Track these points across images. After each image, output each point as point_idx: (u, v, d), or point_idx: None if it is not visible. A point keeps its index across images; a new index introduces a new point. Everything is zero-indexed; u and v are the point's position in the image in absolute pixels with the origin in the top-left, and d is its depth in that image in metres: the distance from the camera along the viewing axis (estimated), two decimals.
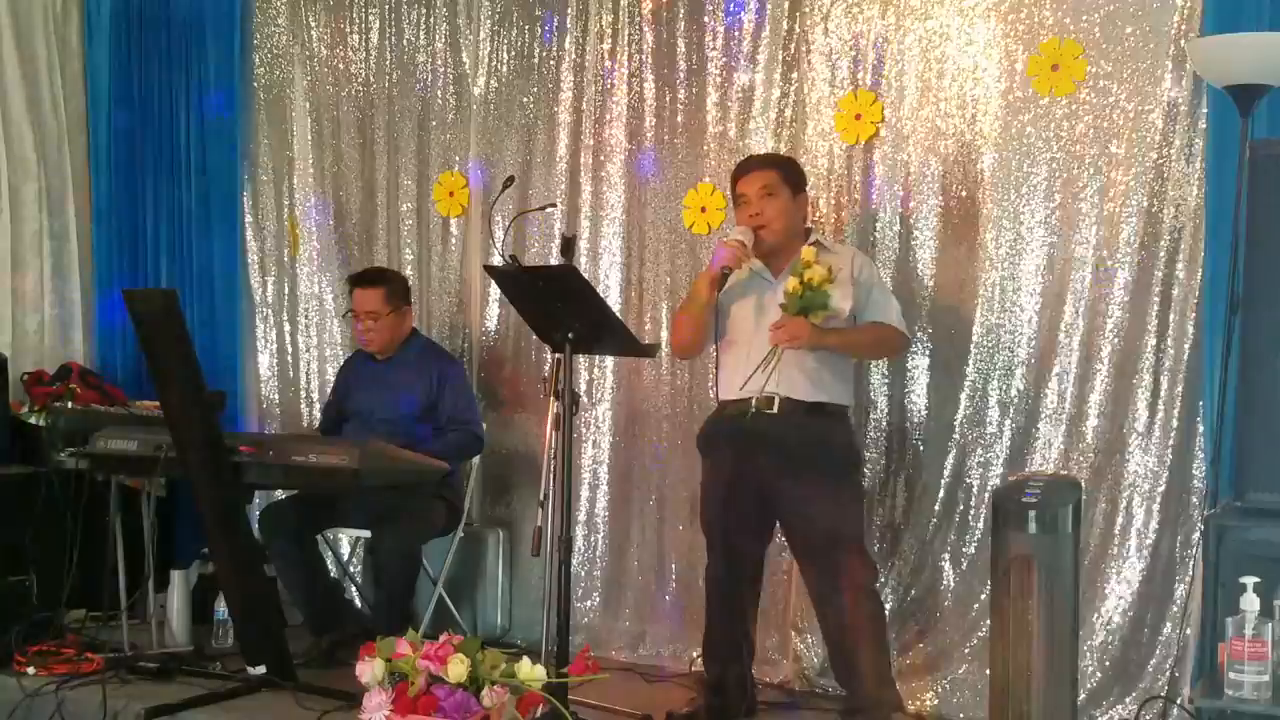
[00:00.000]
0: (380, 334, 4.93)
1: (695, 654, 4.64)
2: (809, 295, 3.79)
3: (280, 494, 5.05)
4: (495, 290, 5.17)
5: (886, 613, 4.12)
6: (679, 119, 4.84)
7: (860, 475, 4.19)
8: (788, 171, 4.06)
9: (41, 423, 5.10)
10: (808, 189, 4.19)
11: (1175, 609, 3.98)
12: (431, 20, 5.38)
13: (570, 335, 3.73)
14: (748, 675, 4.15)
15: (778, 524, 4.10)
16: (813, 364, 3.92)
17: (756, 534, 4.07)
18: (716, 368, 4.07)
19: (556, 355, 3.78)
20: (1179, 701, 3.80)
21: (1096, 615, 4.08)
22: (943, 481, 4.33)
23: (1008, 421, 4.25)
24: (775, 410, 3.89)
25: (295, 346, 5.73)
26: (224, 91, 5.72)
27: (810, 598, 4.09)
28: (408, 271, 5.38)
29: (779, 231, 3.99)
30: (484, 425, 5.02)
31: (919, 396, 4.40)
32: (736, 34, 4.71)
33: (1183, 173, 3.98)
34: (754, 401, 3.89)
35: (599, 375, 5.01)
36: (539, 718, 3.07)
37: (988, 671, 3.59)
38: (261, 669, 4.21)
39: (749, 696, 4.13)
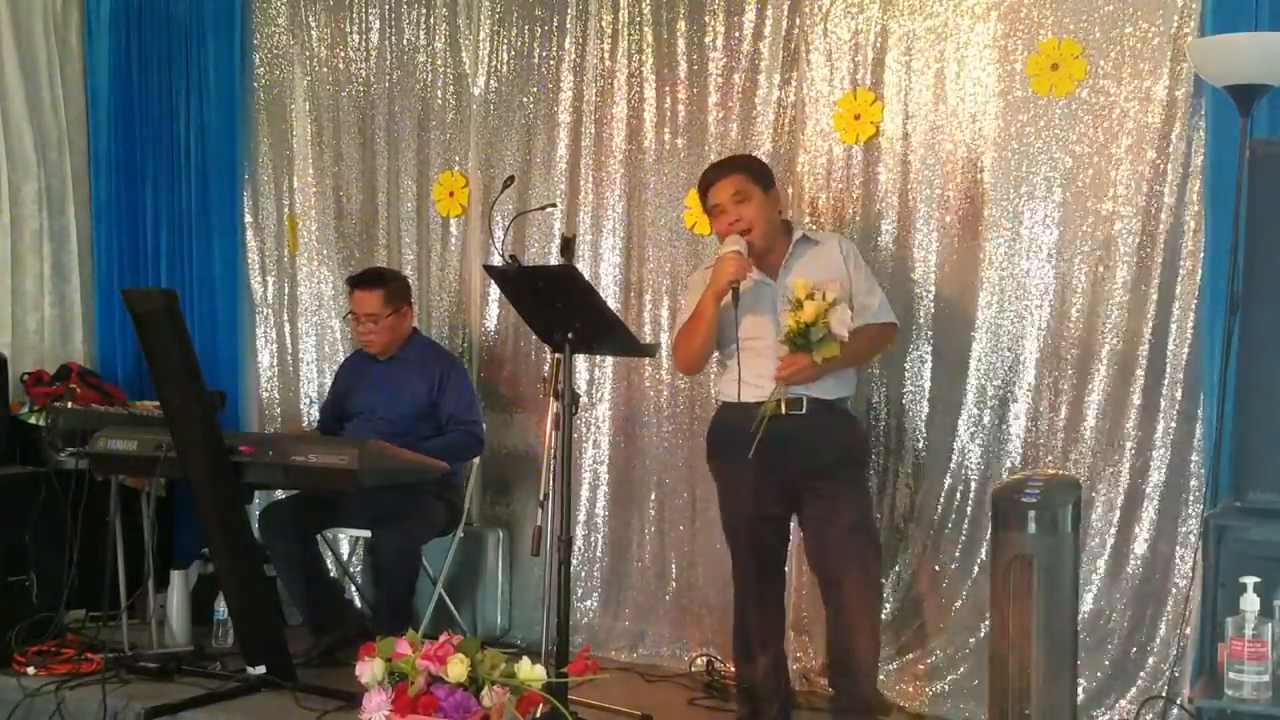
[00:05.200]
0: (381, 335, 4.93)
1: (695, 654, 4.66)
2: (810, 334, 3.73)
3: (280, 494, 5.05)
4: (495, 290, 5.17)
5: (887, 613, 4.12)
6: (679, 119, 4.84)
7: (865, 463, 4.23)
8: (754, 171, 4.02)
9: (41, 423, 5.10)
10: (777, 184, 4.12)
11: (1175, 609, 3.98)
12: (431, 20, 5.38)
13: (570, 335, 3.73)
14: (785, 679, 4.10)
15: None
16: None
17: (783, 530, 4.05)
18: (735, 369, 3.93)
19: (556, 355, 3.78)
20: (1179, 701, 3.80)
21: (1097, 615, 4.08)
22: (943, 481, 4.33)
23: (1007, 421, 4.25)
24: (804, 411, 3.87)
25: (295, 346, 5.73)
26: (224, 91, 5.73)
27: (822, 594, 4.03)
28: (408, 271, 5.38)
29: (762, 232, 3.95)
30: (484, 426, 5.02)
31: (919, 396, 4.39)
32: (736, 34, 4.71)
33: (1183, 173, 3.98)
34: (782, 404, 3.86)
35: (599, 375, 5.01)
36: (539, 718, 3.07)
37: (988, 672, 3.60)
38: (261, 669, 4.22)
39: (786, 699, 4.08)
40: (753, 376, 3.89)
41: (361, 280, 4.99)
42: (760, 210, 3.95)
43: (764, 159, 4.62)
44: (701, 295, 3.94)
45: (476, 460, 5.02)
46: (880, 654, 4.06)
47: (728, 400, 4.02)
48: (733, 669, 4.48)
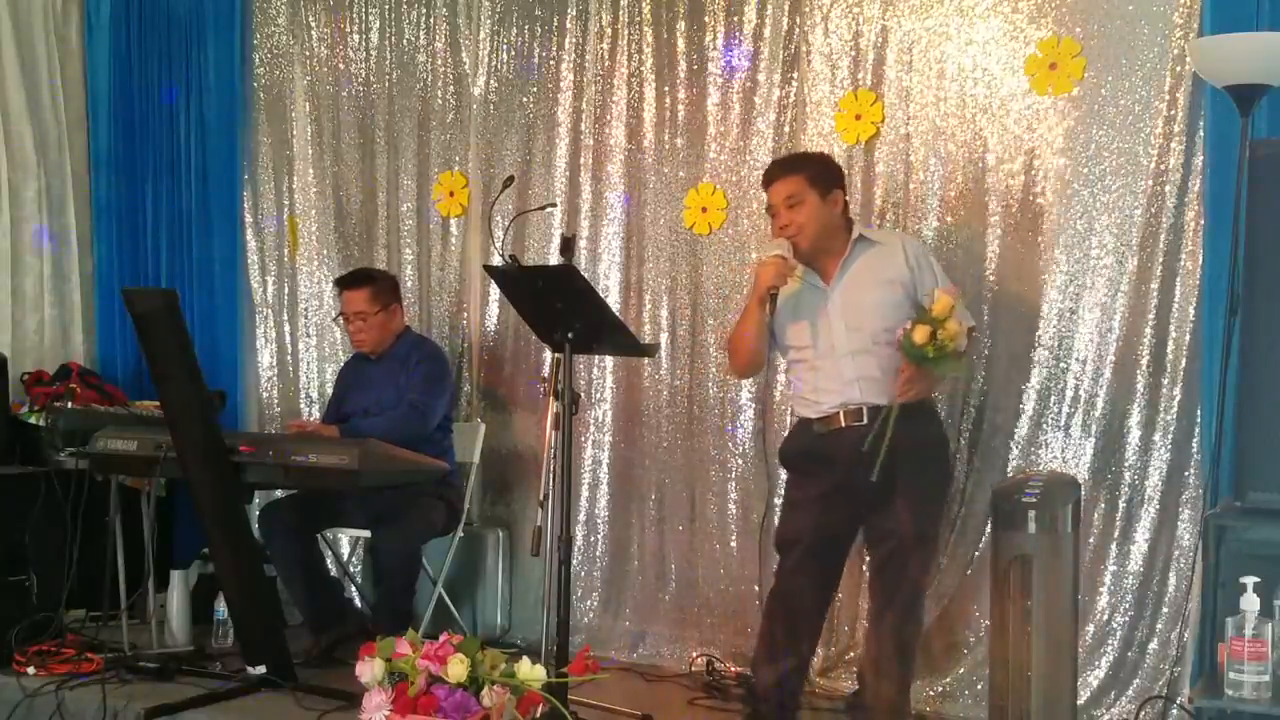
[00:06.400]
0: (370, 334, 4.93)
1: (695, 654, 4.65)
2: (941, 358, 3.62)
3: (280, 493, 5.04)
4: (495, 290, 5.17)
5: None
6: (679, 119, 4.84)
7: (949, 467, 4.08)
8: (814, 173, 3.88)
9: (41, 423, 5.10)
10: (844, 182, 4.00)
11: (1175, 609, 3.98)
12: (431, 20, 5.38)
13: (570, 335, 3.72)
14: (800, 691, 4.03)
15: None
16: (887, 366, 3.78)
17: (846, 542, 3.95)
18: (790, 388, 3.95)
19: (556, 355, 3.78)
20: (1179, 701, 3.80)
21: (1097, 615, 4.08)
22: None
23: (1008, 421, 4.25)
24: (865, 421, 3.78)
25: (295, 346, 5.73)
26: (224, 91, 5.72)
27: (870, 593, 4.03)
28: (407, 271, 5.38)
29: (812, 238, 3.85)
30: (433, 407, 4.82)
31: None
32: (736, 34, 4.71)
33: (1183, 173, 3.98)
34: (842, 415, 3.81)
35: (599, 375, 5.01)
36: (539, 718, 3.07)
37: (988, 671, 3.59)
38: (261, 669, 4.21)
39: (798, 708, 4.01)
40: (810, 392, 3.89)
41: (348, 280, 5.00)
42: (813, 216, 3.84)
43: (766, 159, 4.62)
44: (747, 303, 3.90)
45: (476, 460, 5.01)
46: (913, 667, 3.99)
47: (803, 415, 3.96)
48: (733, 669, 4.50)
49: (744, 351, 3.95)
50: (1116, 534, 4.09)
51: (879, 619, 3.92)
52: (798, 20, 4.58)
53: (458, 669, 2.96)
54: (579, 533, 4.95)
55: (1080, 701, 3.81)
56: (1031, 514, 3.23)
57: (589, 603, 4.99)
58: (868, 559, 4.11)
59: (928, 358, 3.63)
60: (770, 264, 3.79)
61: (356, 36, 5.55)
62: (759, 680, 3.95)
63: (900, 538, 3.79)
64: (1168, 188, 4.01)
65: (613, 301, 4.87)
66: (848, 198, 4.03)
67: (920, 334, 3.61)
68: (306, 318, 5.70)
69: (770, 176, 3.95)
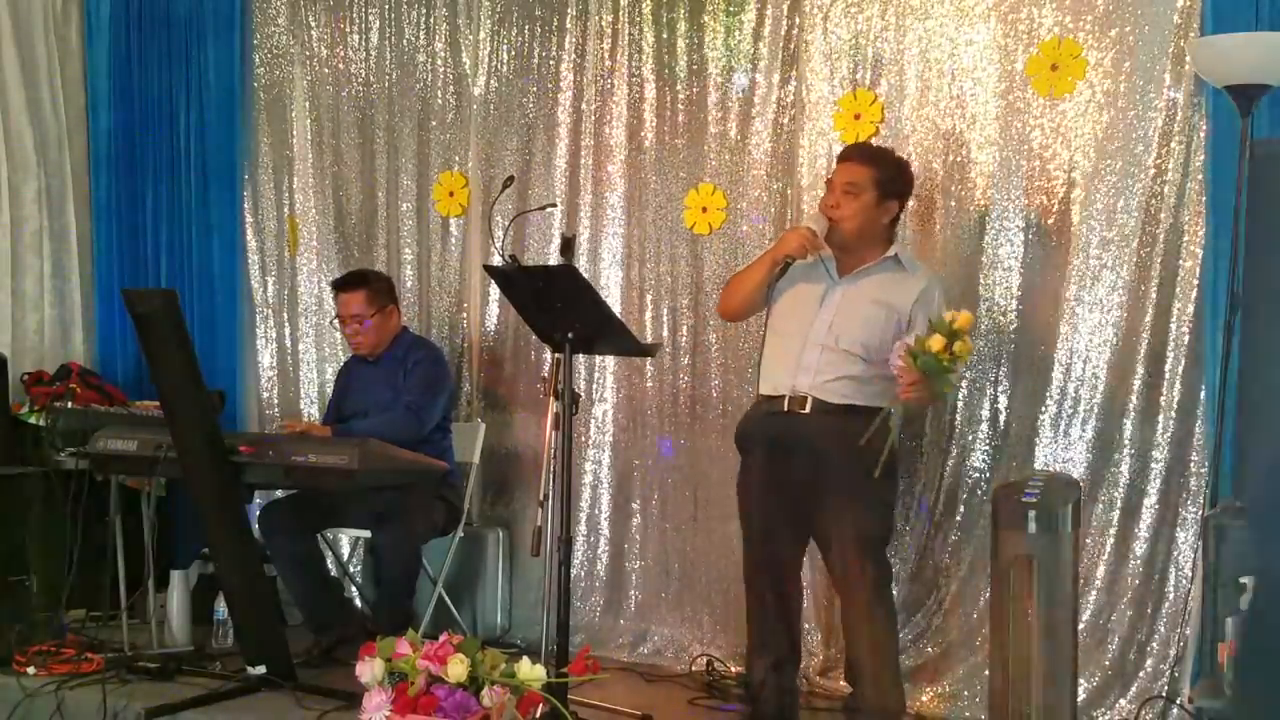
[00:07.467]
0: (367, 336, 4.93)
1: (695, 654, 4.66)
2: (944, 366, 3.56)
3: (280, 493, 5.04)
4: (495, 290, 5.17)
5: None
6: (679, 119, 4.84)
7: (891, 476, 3.98)
8: (883, 175, 3.88)
9: (41, 423, 5.10)
10: (907, 198, 4.01)
11: (1175, 609, 3.98)
12: (431, 20, 5.38)
13: (570, 335, 3.73)
14: (794, 679, 4.03)
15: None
16: (846, 373, 3.81)
17: (792, 531, 3.95)
18: (760, 358, 3.95)
19: (556, 355, 3.78)
20: (1179, 701, 3.80)
21: (1096, 615, 4.08)
22: (943, 481, 4.33)
23: (1007, 421, 4.25)
24: (807, 410, 3.82)
25: (295, 346, 5.73)
26: (224, 91, 5.72)
27: (839, 597, 4.03)
28: (407, 271, 5.38)
29: (851, 232, 3.86)
30: (429, 409, 4.82)
31: None
32: (736, 34, 4.71)
33: (1183, 173, 3.98)
34: (786, 400, 3.84)
35: (599, 375, 5.01)
36: (539, 718, 3.07)
37: (988, 672, 3.60)
38: (261, 669, 4.21)
39: (793, 703, 4.01)
40: (771, 364, 3.89)
41: (344, 282, 4.99)
42: (860, 212, 3.85)
43: (765, 159, 4.63)
44: (761, 256, 3.93)
45: (476, 460, 5.01)
46: (893, 654, 3.96)
47: (761, 392, 3.97)
48: (733, 669, 4.51)
49: (737, 298, 4.01)
50: (1116, 534, 4.09)
51: (846, 621, 3.94)
52: (797, 20, 4.58)
53: (458, 669, 2.96)
54: (579, 533, 4.95)
55: (1080, 701, 3.81)
56: (1031, 514, 3.24)
57: (589, 603, 4.99)
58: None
59: (940, 365, 3.56)
60: (798, 234, 3.83)
61: (356, 36, 5.55)
62: (751, 679, 3.98)
63: (841, 539, 3.81)
64: (1168, 188, 4.01)
65: (613, 301, 4.87)
66: (902, 214, 4.03)
67: (936, 343, 3.56)
68: (306, 318, 5.70)
69: (845, 156, 3.98)
